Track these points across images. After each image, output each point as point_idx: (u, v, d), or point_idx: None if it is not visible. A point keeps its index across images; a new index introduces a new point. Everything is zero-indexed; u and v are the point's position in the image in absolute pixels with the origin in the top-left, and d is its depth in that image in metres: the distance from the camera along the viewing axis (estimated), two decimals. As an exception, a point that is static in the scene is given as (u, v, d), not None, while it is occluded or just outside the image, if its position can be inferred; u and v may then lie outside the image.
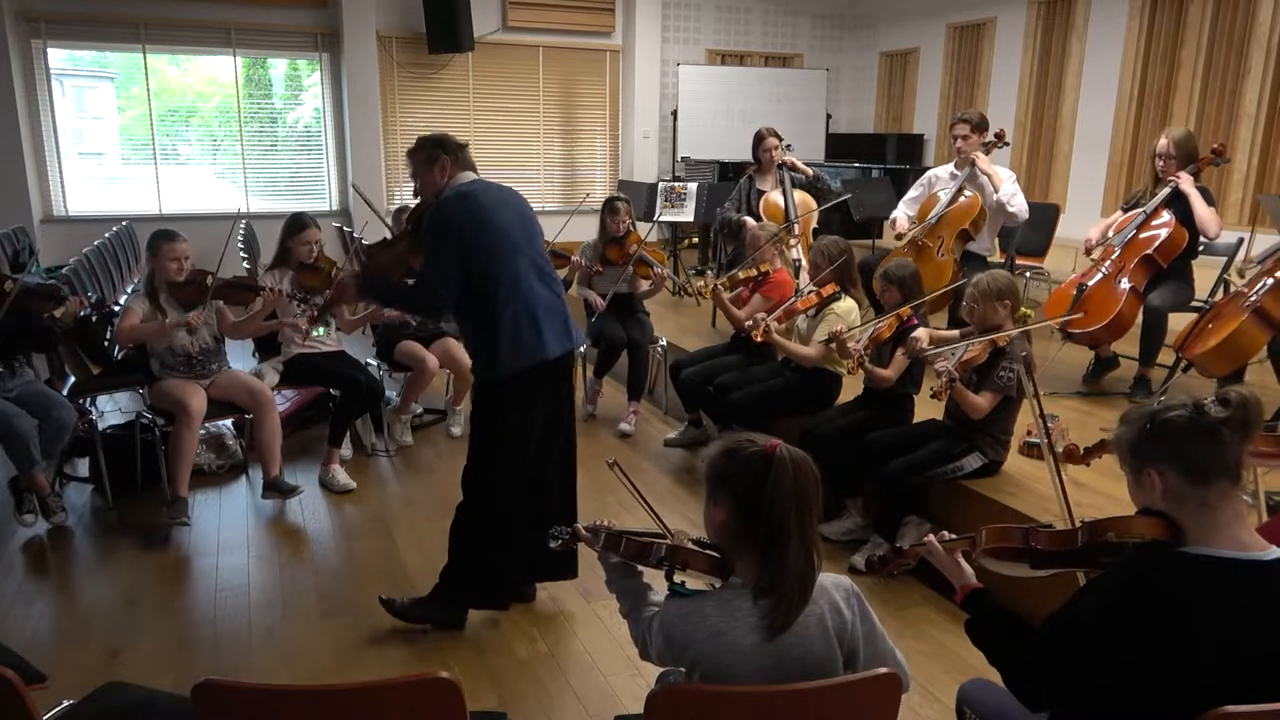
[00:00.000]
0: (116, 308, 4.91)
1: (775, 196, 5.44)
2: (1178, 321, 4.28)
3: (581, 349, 5.07)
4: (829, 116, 10.08)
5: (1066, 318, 4.14)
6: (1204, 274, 4.61)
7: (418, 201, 3.05)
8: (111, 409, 5.01)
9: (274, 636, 3.00)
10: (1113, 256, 4.36)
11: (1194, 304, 4.47)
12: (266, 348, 4.61)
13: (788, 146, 5.60)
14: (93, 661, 2.81)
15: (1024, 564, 1.75)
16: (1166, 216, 4.26)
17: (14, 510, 3.69)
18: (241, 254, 6.38)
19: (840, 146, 10.11)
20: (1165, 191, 4.29)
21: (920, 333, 3.46)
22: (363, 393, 4.26)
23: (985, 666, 1.71)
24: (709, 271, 5.97)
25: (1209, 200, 4.26)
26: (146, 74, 8.16)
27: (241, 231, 7.12)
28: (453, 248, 2.79)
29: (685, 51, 9.85)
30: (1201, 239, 4.34)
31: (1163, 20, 7.10)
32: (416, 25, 8.56)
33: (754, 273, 4.46)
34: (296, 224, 4.28)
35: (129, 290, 6.18)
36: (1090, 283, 4.35)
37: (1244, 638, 1.43)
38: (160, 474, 3.90)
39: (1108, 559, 1.61)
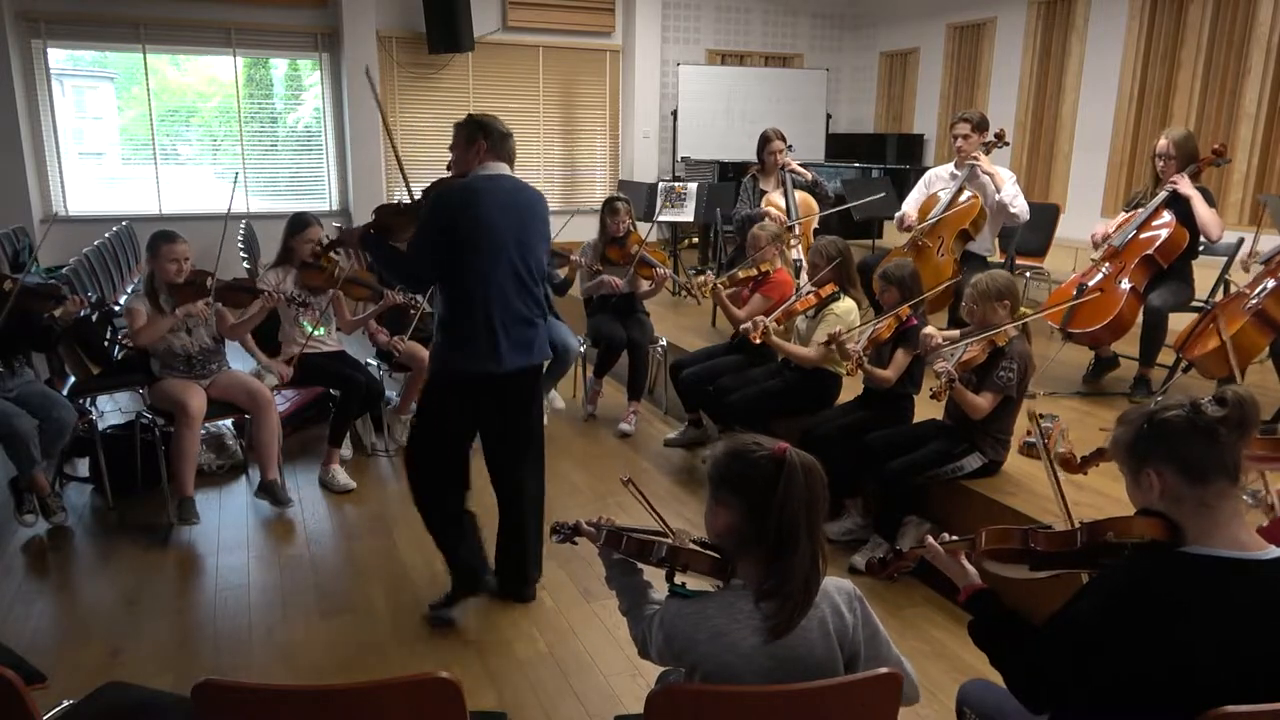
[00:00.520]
0: (116, 308, 4.92)
1: (777, 197, 5.45)
2: (1178, 321, 4.28)
3: (583, 349, 5.08)
4: (829, 116, 10.08)
5: (1075, 301, 4.14)
6: (1204, 274, 4.61)
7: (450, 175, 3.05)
8: (111, 409, 5.01)
9: (274, 636, 3.00)
10: (1113, 257, 4.36)
11: (1194, 304, 4.47)
12: (266, 348, 4.61)
13: (789, 148, 5.61)
14: (93, 661, 2.81)
15: (1024, 565, 1.75)
16: (1167, 217, 4.26)
17: (14, 510, 3.69)
18: (241, 254, 6.38)
19: (840, 147, 10.11)
20: (1165, 193, 4.29)
21: (930, 330, 3.47)
22: (363, 393, 4.27)
23: (985, 666, 1.71)
24: (709, 271, 5.96)
25: (1210, 201, 4.26)
26: (146, 74, 8.16)
27: (241, 231, 7.12)
28: (437, 233, 2.83)
29: (685, 51, 9.85)
30: (1202, 240, 4.34)
31: (1163, 20, 7.10)
32: (416, 25, 8.56)
33: (754, 272, 4.46)
34: (299, 223, 4.29)
35: (129, 290, 6.18)
36: (1090, 283, 4.35)
37: (1243, 637, 1.43)
38: (160, 474, 3.90)
39: (1107, 560, 1.61)
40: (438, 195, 2.88)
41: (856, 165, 9.23)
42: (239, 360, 4.40)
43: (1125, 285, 4.27)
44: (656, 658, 1.69)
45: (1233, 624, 1.43)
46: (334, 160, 8.97)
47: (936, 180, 5.12)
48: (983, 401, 3.18)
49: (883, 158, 9.52)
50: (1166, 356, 4.38)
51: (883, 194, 6.33)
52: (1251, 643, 1.44)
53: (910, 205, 5.18)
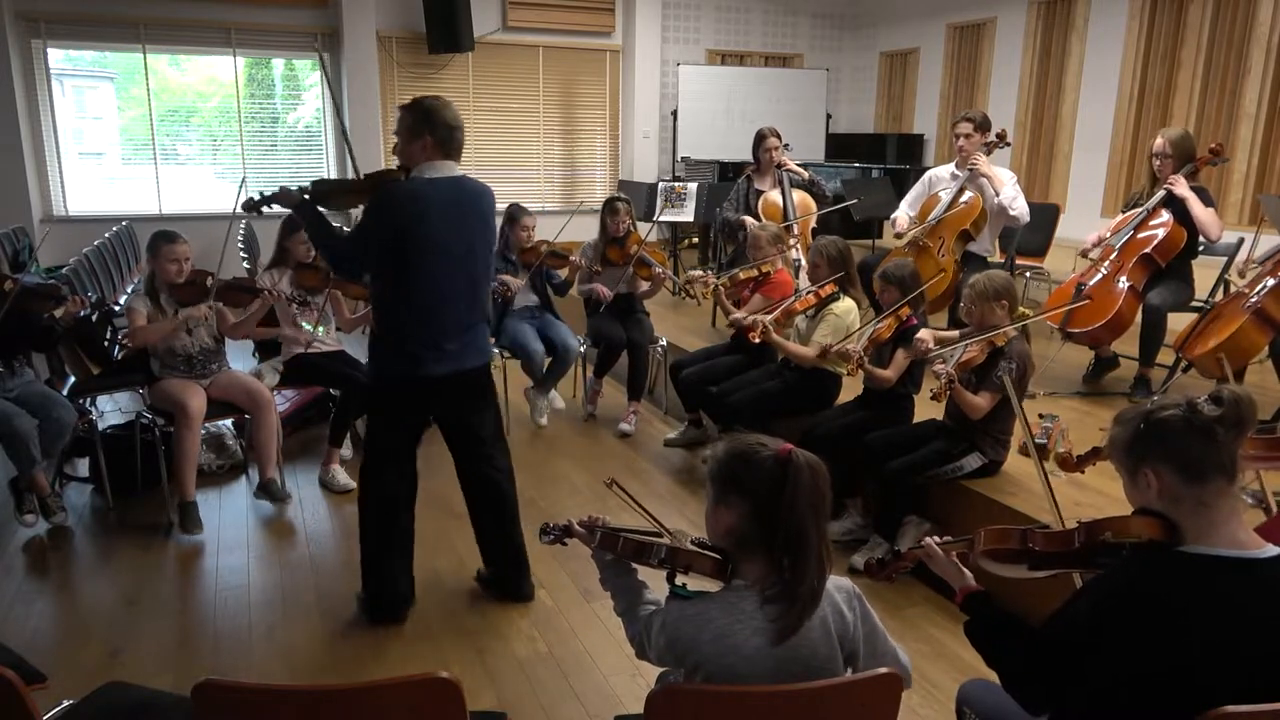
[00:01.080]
0: (117, 308, 4.92)
1: (774, 196, 5.45)
2: (1178, 321, 4.28)
3: (583, 349, 5.08)
4: (829, 116, 10.08)
5: (1071, 306, 4.14)
6: (1204, 274, 4.61)
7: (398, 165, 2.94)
8: (111, 409, 5.01)
9: (274, 636, 3.00)
10: (1111, 256, 4.36)
11: (1194, 304, 4.47)
12: (266, 348, 4.61)
13: (786, 146, 5.60)
14: (93, 661, 2.81)
15: (1022, 565, 1.75)
16: (1165, 216, 4.27)
17: (14, 510, 3.69)
18: (241, 254, 6.39)
19: (840, 146, 10.11)
20: (1163, 193, 4.29)
21: (924, 333, 3.46)
22: (362, 392, 4.26)
23: (985, 667, 1.72)
24: (709, 271, 5.97)
25: (1208, 201, 4.26)
26: (146, 74, 8.16)
27: (241, 231, 7.12)
28: (379, 234, 2.80)
29: (685, 51, 9.85)
30: (1201, 240, 4.34)
31: (1163, 20, 7.10)
32: (416, 25, 8.56)
33: (754, 273, 4.46)
34: (295, 223, 4.27)
35: (129, 290, 6.18)
36: (1089, 282, 4.36)
37: (1242, 637, 1.43)
38: (160, 474, 3.90)
39: (1106, 559, 1.61)
40: (384, 199, 2.81)
41: (856, 165, 9.23)
42: (239, 360, 4.40)
43: (1124, 284, 4.27)
44: (656, 659, 1.68)
45: (1231, 623, 1.43)
46: (334, 160, 8.97)
47: (937, 180, 5.11)
48: (982, 401, 3.19)
49: (883, 158, 9.52)
50: (1166, 356, 4.38)
51: (858, 199, 6.30)
52: (1251, 642, 1.44)
53: (905, 208, 5.18)
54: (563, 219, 5.46)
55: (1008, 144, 5.03)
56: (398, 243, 2.78)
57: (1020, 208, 4.81)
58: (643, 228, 5.24)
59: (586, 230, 5.35)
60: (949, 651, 2.89)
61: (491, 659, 2.87)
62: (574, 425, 5.09)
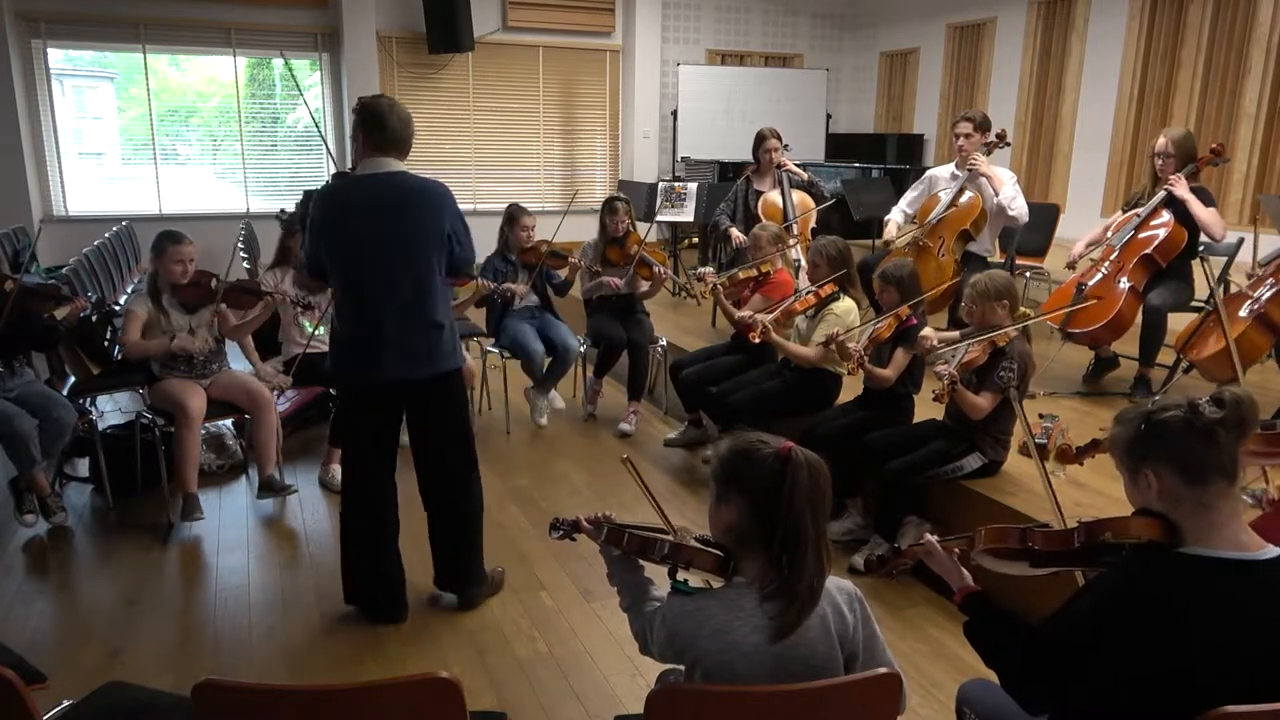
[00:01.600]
0: (117, 307, 4.92)
1: (774, 197, 5.45)
2: (1178, 321, 4.28)
3: (583, 349, 5.08)
4: (829, 116, 10.08)
5: (1072, 307, 4.14)
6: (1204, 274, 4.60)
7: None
8: (111, 409, 5.01)
9: (274, 636, 3.00)
10: (1112, 256, 4.36)
11: (1194, 304, 4.47)
12: (267, 348, 4.61)
13: (786, 147, 5.60)
14: (93, 661, 2.81)
15: (1023, 563, 1.75)
16: (1165, 216, 4.27)
17: (14, 510, 3.69)
18: (241, 254, 6.39)
19: (840, 146, 10.11)
20: (1164, 193, 4.29)
21: (927, 331, 3.47)
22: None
23: (985, 667, 1.72)
24: (709, 271, 5.97)
25: (1208, 201, 4.26)
26: (146, 74, 8.16)
27: (241, 232, 7.13)
28: (313, 237, 2.86)
29: (685, 51, 9.85)
30: (1202, 239, 4.34)
31: (1163, 20, 7.10)
32: (416, 25, 8.56)
33: (754, 273, 4.46)
34: (297, 223, 4.28)
35: (129, 290, 6.18)
36: (1090, 283, 4.36)
37: (1243, 638, 1.43)
38: (160, 474, 3.90)
39: (1107, 559, 1.61)
40: (313, 200, 2.90)
41: (856, 165, 9.23)
42: (239, 360, 4.40)
43: (1124, 284, 4.27)
44: (657, 654, 1.69)
45: (1232, 624, 1.43)
46: (334, 160, 8.96)
47: (937, 180, 5.12)
48: (983, 402, 3.19)
49: (883, 158, 9.52)
50: (1166, 356, 4.38)
51: (834, 200, 6.28)
52: (1251, 643, 1.43)
53: (900, 209, 5.18)
54: (560, 219, 5.46)
55: (1008, 144, 5.03)
56: (320, 241, 2.83)
57: (1020, 208, 4.82)
58: (642, 228, 5.24)
59: (586, 230, 5.35)
60: (949, 651, 2.89)
61: (491, 659, 2.87)
62: (574, 425, 5.09)
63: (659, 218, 7.13)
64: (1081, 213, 7.36)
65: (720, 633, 1.56)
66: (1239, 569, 1.46)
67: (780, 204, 5.38)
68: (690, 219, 7.37)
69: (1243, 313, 3.77)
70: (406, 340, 2.84)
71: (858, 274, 4.09)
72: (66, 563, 3.52)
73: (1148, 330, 4.34)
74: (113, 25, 7.88)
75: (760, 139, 5.49)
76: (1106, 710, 1.51)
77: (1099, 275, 4.36)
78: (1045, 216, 6.30)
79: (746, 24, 10.14)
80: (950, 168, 5.07)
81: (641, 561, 1.84)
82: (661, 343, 5.27)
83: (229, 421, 4.45)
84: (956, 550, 1.82)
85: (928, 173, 5.26)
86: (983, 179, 4.81)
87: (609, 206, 5.01)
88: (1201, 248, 4.44)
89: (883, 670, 1.51)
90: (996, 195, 4.77)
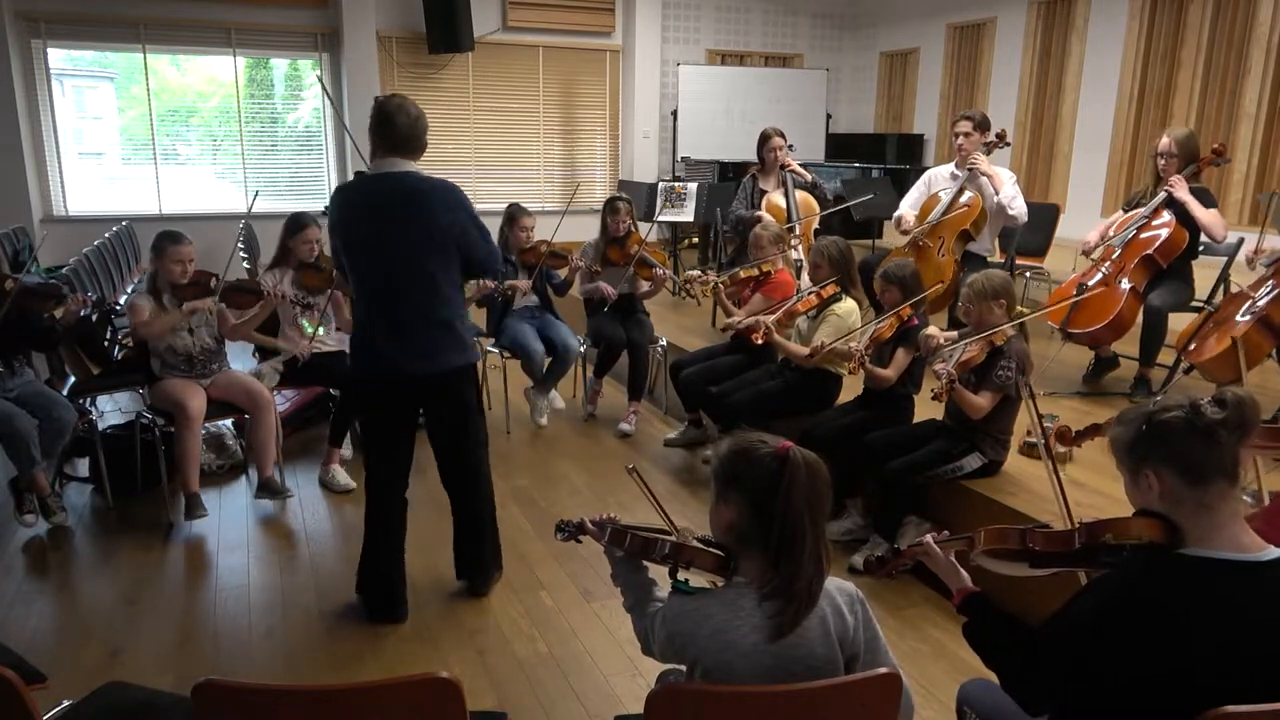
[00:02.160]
0: (117, 307, 4.92)
1: (777, 197, 5.45)
2: (1178, 321, 4.28)
3: (583, 349, 5.08)
4: (829, 116, 10.08)
5: (1077, 298, 4.14)
6: (1204, 274, 4.61)
7: None
8: (111, 409, 5.01)
9: (274, 636, 3.00)
10: (1113, 257, 4.36)
11: (1194, 304, 4.47)
12: (267, 348, 4.61)
13: (790, 147, 5.60)
14: (93, 661, 2.81)
15: (1023, 564, 1.75)
16: (1167, 217, 4.26)
17: (14, 510, 3.69)
18: (242, 254, 6.39)
19: (840, 146, 10.11)
20: (1165, 192, 4.29)
21: (932, 330, 3.47)
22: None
23: (985, 667, 1.72)
24: (709, 271, 5.98)
25: (1210, 202, 4.26)
26: (146, 74, 8.16)
27: (241, 231, 7.12)
28: (330, 236, 2.97)
29: (685, 51, 9.85)
30: (1202, 239, 4.33)
31: (1163, 20, 7.10)
32: (416, 25, 8.56)
33: (755, 273, 4.46)
34: (297, 223, 4.29)
35: (129, 290, 6.18)
36: (1090, 283, 4.35)
37: (1243, 639, 1.43)
38: (160, 474, 3.90)
39: (1108, 560, 1.61)
40: (329, 202, 3.03)
41: (856, 165, 9.23)
42: (239, 360, 4.40)
43: (1125, 285, 4.27)
44: (659, 654, 1.70)
45: (1232, 626, 1.43)
46: (334, 160, 8.97)
47: (937, 180, 5.11)
48: (982, 401, 3.19)
49: (883, 158, 9.52)
50: (1166, 356, 4.38)
51: (872, 194, 6.32)
52: (1251, 644, 1.43)
53: (907, 207, 5.18)
54: (559, 218, 5.46)
55: (1007, 144, 5.03)
56: (334, 239, 2.93)
57: (1019, 208, 4.82)
58: (643, 228, 5.24)
59: (586, 230, 5.35)
60: (949, 651, 2.89)
61: (491, 659, 2.87)
62: (574, 425, 5.09)
63: (659, 218, 7.13)
64: (1081, 213, 7.35)
65: (719, 632, 1.56)
66: (1240, 570, 1.46)
67: (784, 205, 5.39)
68: (690, 219, 7.36)
69: (1242, 315, 3.77)
70: (416, 337, 2.89)
71: (858, 274, 4.09)
72: (66, 563, 3.52)
73: (1148, 330, 4.34)
74: (113, 25, 7.88)
75: (765, 138, 5.49)
76: (1107, 710, 1.50)
77: (1099, 275, 4.36)
78: (1045, 216, 6.30)
79: (746, 24, 10.14)
80: (950, 167, 5.07)
81: (645, 562, 1.84)
82: (661, 343, 5.27)
83: (229, 421, 4.45)
84: (955, 551, 1.82)
85: (928, 173, 5.26)
86: (983, 179, 4.80)
87: (610, 206, 5.01)
88: (1202, 247, 4.44)
89: (883, 670, 1.51)
90: (997, 195, 4.77)
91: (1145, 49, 7.22)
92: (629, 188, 8.50)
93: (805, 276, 4.80)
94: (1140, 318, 4.34)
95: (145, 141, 8.35)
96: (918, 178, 5.37)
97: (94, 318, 4.35)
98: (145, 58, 8.12)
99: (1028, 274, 6.17)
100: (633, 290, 5.04)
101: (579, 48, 9.52)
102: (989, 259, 5.16)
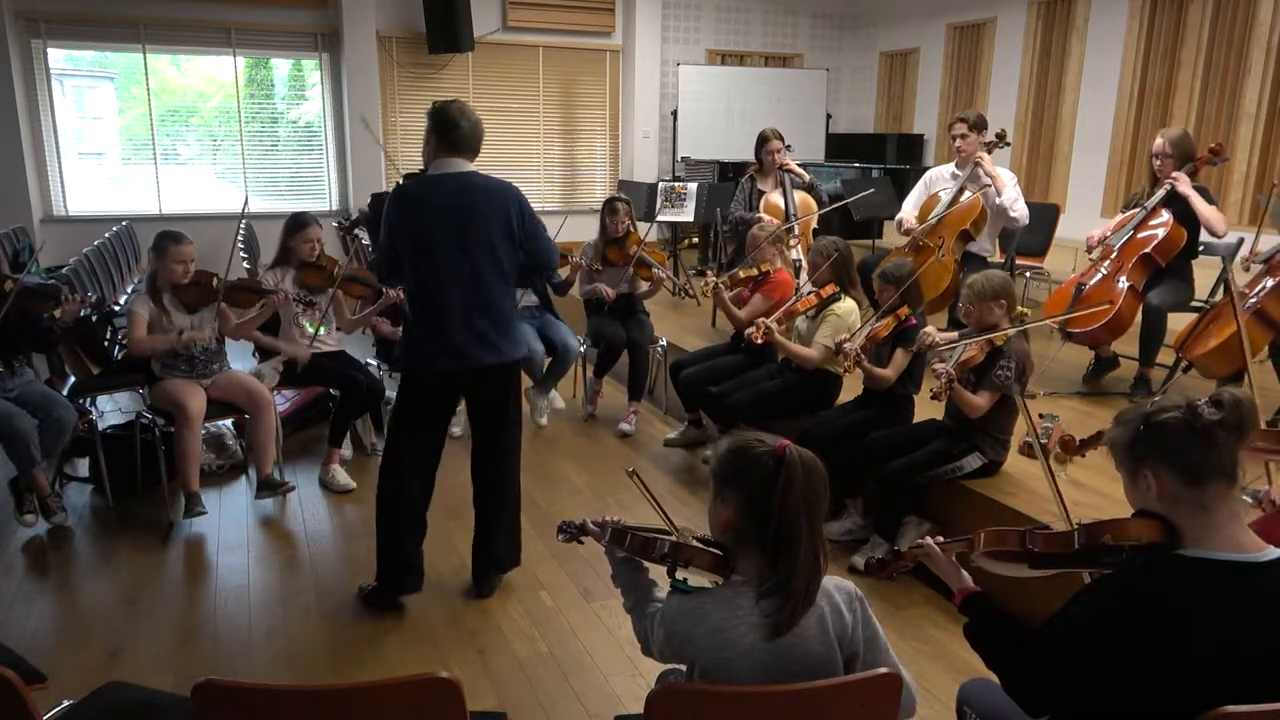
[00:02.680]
0: (117, 307, 4.92)
1: (775, 197, 5.45)
2: (1178, 321, 4.28)
3: (583, 349, 5.08)
4: (829, 116, 10.07)
5: (1068, 315, 4.14)
6: (1204, 273, 4.61)
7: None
8: (111, 409, 5.01)
9: (274, 636, 3.00)
10: (1111, 256, 4.36)
11: (1194, 304, 4.47)
12: (267, 348, 4.61)
13: (788, 148, 5.61)
14: (93, 661, 2.81)
15: (1023, 565, 1.76)
16: (1165, 216, 4.27)
17: (14, 510, 3.69)
18: (242, 254, 6.38)
19: (840, 146, 10.11)
20: (1163, 192, 4.30)
21: (929, 329, 3.47)
22: (363, 393, 4.26)
23: (985, 667, 1.72)
24: (709, 271, 5.98)
25: (1209, 200, 4.26)
26: (146, 74, 8.16)
27: (241, 231, 7.12)
28: (388, 237, 2.97)
29: (685, 51, 9.85)
30: (1202, 239, 4.34)
31: (1163, 20, 7.10)
32: (416, 25, 8.56)
33: (754, 272, 4.46)
34: (298, 223, 4.28)
35: (129, 290, 6.18)
36: (1089, 282, 4.36)
37: (1243, 639, 1.43)
38: (160, 474, 3.90)
39: (1107, 561, 1.61)
40: (388, 199, 3.00)
41: (856, 165, 9.23)
42: (239, 360, 4.40)
43: (1124, 284, 4.27)
44: (658, 654, 1.70)
45: (1232, 626, 1.43)
46: (334, 160, 8.97)
47: (937, 180, 5.11)
48: (981, 401, 3.19)
49: (883, 158, 9.52)
50: (1166, 356, 4.38)
51: (871, 190, 6.33)
52: (1251, 644, 1.44)
53: (909, 208, 5.18)
54: (561, 218, 5.46)
55: (1007, 144, 5.03)
56: (395, 238, 2.95)
57: (1020, 210, 4.81)
58: (642, 228, 5.24)
59: (586, 230, 5.35)
60: (949, 651, 2.89)
61: (491, 659, 2.87)
62: (574, 425, 5.09)
63: (659, 218, 7.13)
64: (1081, 213, 7.36)
65: (717, 631, 1.56)
66: (1238, 571, 1.46)
67: (782, 205, 5.39)
68: (690, 219, 7.37)
69: (1240, 308, 3.77)
70: (490, 329, 2.98)
71: (858, 274, 4.09)
72: (66, 563, 3.52)
73: (1148, 330, 4.34)
74: (113, 25, 7.88)
75: (763, 140, 5.49)
76: (1107, 710, 1.51)
77: (1098, 275, 4.36)
78: (1045, 217, 6.30)
79: (746, 24, 10.14)
80: (950, 168, 5.07)
81: (645, 562, 1.84)
82: (661, 343, 5.27)
83: (229, 421, 4.45)
84: (955, 553, 1.82)
85: (928, 173, 5.26)
86: (984, 179, 4.80)
87: (609, 207, 5.01)
88: (1201, 247, 4.44)
89: (883, 670, 1.51)
90: (998, 196, 4.77)
91: (1145, 49, 7.22)
92: (629, 188, 8.50)
93: (804, 276, 4.80)
94: (1139, 317, 4.34)
95: (145, 141, 8.35)
96: (918, 178, 5.38)
97: (94, 318, 4.35)
98: (145, 58, 8.12)
99: (1028, 274, 6.18)
100: (632, 290, 5.04)
101: (579, 48, 9.52)
102: (989, 259, 5.16)
